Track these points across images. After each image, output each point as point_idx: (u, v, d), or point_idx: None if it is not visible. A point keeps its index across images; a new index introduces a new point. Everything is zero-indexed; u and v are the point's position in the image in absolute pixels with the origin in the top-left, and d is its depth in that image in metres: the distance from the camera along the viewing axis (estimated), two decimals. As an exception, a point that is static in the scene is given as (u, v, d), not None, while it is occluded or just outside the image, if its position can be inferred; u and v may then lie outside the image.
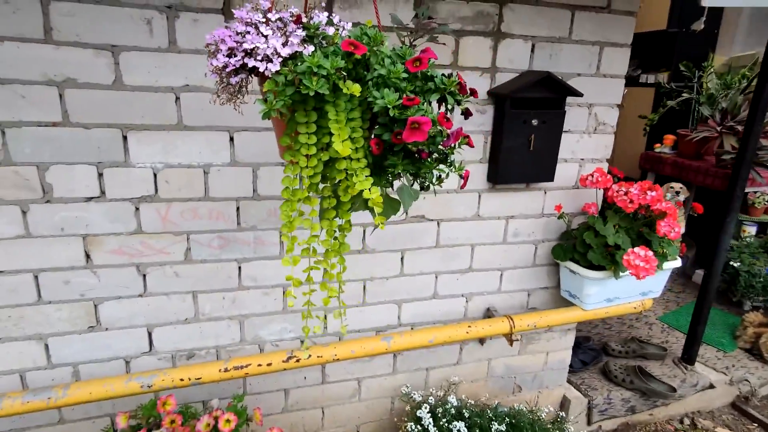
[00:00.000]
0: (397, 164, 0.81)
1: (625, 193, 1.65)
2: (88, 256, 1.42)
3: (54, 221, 1.37)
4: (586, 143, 1.80)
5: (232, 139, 1.44)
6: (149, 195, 1.42)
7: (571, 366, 2.20)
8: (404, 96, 0.76)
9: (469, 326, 1.65)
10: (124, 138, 1.35)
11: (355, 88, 0.72)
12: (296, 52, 0.74)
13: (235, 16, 0.77)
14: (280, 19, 0.76)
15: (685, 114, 3.55)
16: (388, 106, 0.73)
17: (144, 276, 1.49)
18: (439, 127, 0.79)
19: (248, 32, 0.75)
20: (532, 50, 1.63)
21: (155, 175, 1.41)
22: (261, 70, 0.74)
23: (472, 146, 0.86)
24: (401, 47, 0.79)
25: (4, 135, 1.27)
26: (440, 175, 0.86)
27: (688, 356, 2.35)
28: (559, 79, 1.60)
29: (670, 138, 3.62)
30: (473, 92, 0.89)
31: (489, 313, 1.88)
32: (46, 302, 1.43)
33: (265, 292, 1.61)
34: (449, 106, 0.83)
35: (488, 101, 1.64)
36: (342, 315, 0.94)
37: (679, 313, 2.93)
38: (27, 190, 1.32)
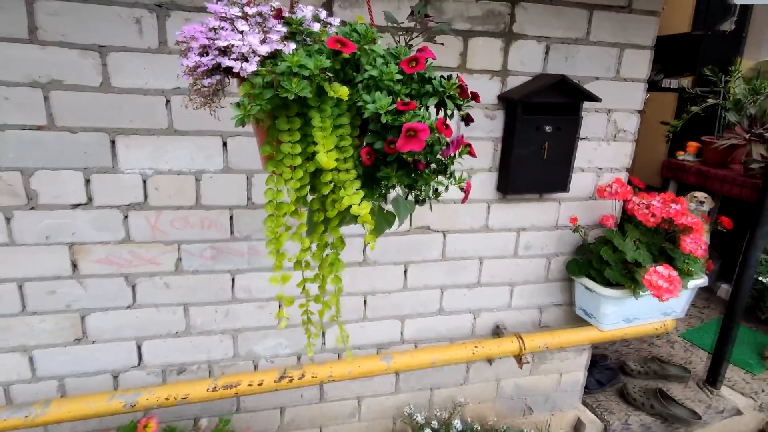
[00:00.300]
0: (390, 176, 0.72)
1: (647, 207, 1.54)
2: (74, 266, 1.36)
3: (39, 229, 1.31)
4: (604, 151, 1.69)
5: (225, 144, 1.36)
6: (138, 202, 1.35)
7: (586, 387, 2.08)
8: (398, 100, 0.67)
9: (476, 346, 1.55)
10: (112, 143, 1.29)
11: (343, 91, 0.63)
12: (276, 50, 0.66)
13: (208, 9, 0.69)
14: (259, 13, 0.68)
15: (710, 120, 3.39)
16: (380, 112, 0.64)
17: (133, 287, 1.42)
18: (437, 135, 0.70)
19: (222, 28, 0.67)
20: (546, 52, 1.53)
21: (144, 182, 1.34)
22: (236, 70, 0.65)
23: (474, 156, 0.77)
24: (396, 47, 0.70)
25: (-13, 139, 1.22)
26: (437, 188, 0.77)
27: (713, 379, 2.21)
28: (575, 83, 1.49)
29: (693, 145, 3.46)
30: (475, 96, 0.80)
31: (498, 331, 1.77)
32: (30, 313, 1.37)
33: (260, 306, 1.53)
34: (449, 112, 0.74)
35: (498, 106, 1.54)
36: (345, 342, 0.85)
37: (702, 330, 2.78)
38: (11, 196, 1.26)
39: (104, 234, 1.35)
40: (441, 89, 0.70)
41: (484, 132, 1.56)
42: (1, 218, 1.27)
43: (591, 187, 1.71)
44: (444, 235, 1.63)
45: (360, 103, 0.65)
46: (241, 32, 0.65)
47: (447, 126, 0.68)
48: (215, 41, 0.66)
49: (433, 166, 0.75)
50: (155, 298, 1.44)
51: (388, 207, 0.91)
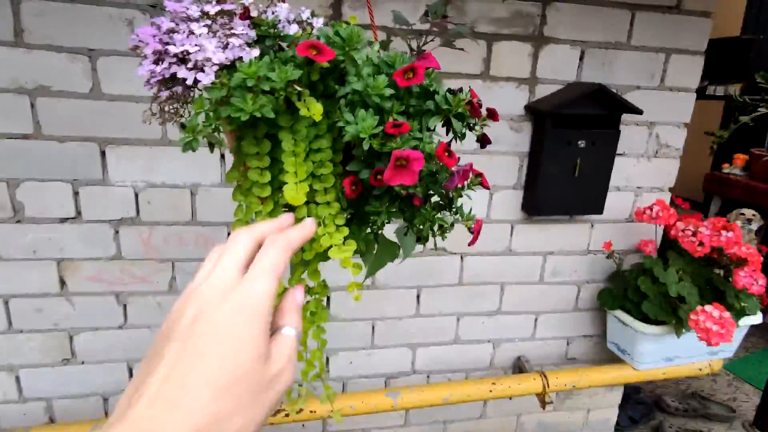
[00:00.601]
0: (380, 212, 0.58)
1: (693, 233, 1.35)
2: (62, 282, 1.28)
3: (26, 243, 1.23)
4: (644, 169, 1.51)
5: (222, 156, 1.26)
6: (130, 217, 1.26)
7: (617, 424, 1.89)
8: (389, 120, 0.54)
9: (493, 383, 1.39)
10: (102, 153, 1.20)
11: (316, 110, 0.51)
12: (238, 58, 0.54)
13: (166, 7, 0.57)
14: (224, 12, 0.56)
15: (760, 131, 3.13)
16: (363, 135, 0.51)
17: (124, 306, 1.33)
18: (436, 164, 0.56)
19: (178, 30, 0.55)
20: (581, 58, 1.36)
21: (136, 195, 1.25)
22: (189, 82, 0.53)
23: (487, 188, 0.63)
24: (390, 53, 0.57)
25: (-29, 147, 1.15)
26: (443, 226, 0.63)
27: (763, 420, 1.98)
28: (614, 93, 1.33)
29: (741, 158, 3.20)
30: (492, 114, 0.65)
31: (520, 363, 1.61)
32: (17, 331, 1.29)
33: (259, 329, 1.42)
34: (459, 133, 0.60)
35: (525, 117, 1.39)
36: (331, 401, 0.72)
37: (749, 362, 2.53)
38: (-4, 209, 1.19)
39: (94, 250, 1.26)
40: (446, 107, 0.57)
41: (509, 146, 1.40)
42: (-14, 231, 1.20)
43: (628, 208, 1.54)
44: (462, 257, 1.49)
45: (341, 124, 0.52)
46: (198, 35, 0.53)
47: (450, 153, 0.54)
48: (168, 46, 0.54)
49: (435, 199, 0.61)
50: (148, 318, 1.35)
51: (392, 238, 0.78)
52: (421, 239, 0.67)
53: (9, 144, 1.15)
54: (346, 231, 0.59)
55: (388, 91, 0.52)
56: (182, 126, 0.51)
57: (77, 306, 1.30)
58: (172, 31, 0.56)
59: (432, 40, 0.94)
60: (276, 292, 0.36)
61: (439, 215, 0.61)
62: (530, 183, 1.43)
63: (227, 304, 0.33)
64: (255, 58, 0.51)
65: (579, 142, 1.37)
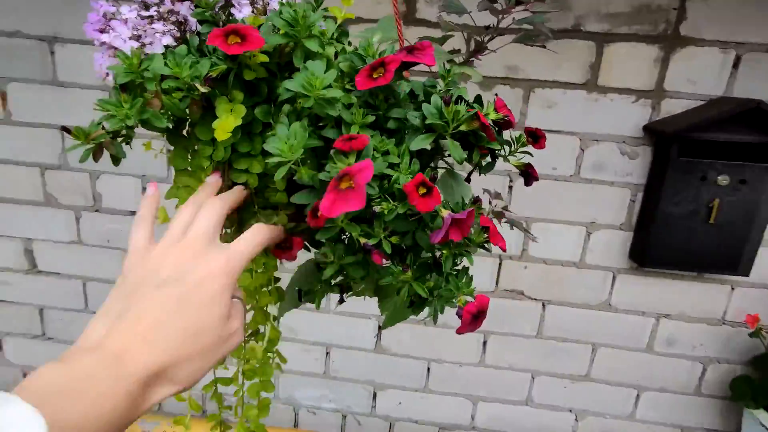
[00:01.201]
0: (332, 262, 0.43)
1: None
2: (129, 273, 1.32)
3: (101, 231, 1.30)
4: (823, 221, 1.09)
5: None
6: (190, 217, 1.25)
7: None
8: (343, 134, 0.38)
9: (564, 470, 1.11)
10: (168, 152, 1.21)
11: (222, 123, 0.37)
12: (168, 48, 0.42)
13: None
14: (162, -10, 0.45)
15: None
16: (282, 159, 0.36)
17: (181, 303, 1.34)
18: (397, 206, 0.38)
19: (115, 15, 0.46)
20: (735, 65, 1.02)
21: (196, 196, 1.24)
22: (110, 79, 0.44)
23: (503, 249, 0.42)
24: (362, 45, 0.40)
25: (64, 140, 1.23)
26: (433, 294, 0.44)
27: None
28: (780, 115, 0.97)
29: None
30: (538, 137, 0.46)
31: (610, 446, 1.28)
32: (91, 312, 1.38)
33: (305, 349, 1.33)
34: (461, 161, 0.42)
35: (643, 141, 1.08)
36: None
37: None
38: (80, 197, 1.27)
39: (157, 245, 1.29)
40: (436, 121, 0.39)
41: (618, 175, 1.11)
42: (72, 217, 1.29)
43: (791, 271, 1.13)
44: (543, 305, 1.23)
45: (266, 146, 0.38)
46: (126, 21, 0.43)
47: (429, 190, 0.36)
48: (102, 35, 0.45)
49: (417, 254, 0.43)
50: (201, 318, 1.35)
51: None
52: (411, 307, 0.48)
53: (92, 137, 1.22)
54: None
55: (335, 93, 0.36)
56: (65, 130, 0.41)
57: (140, 297, 1.34)
58: (106, 16, 0.47)
59: (501, 34, 0.74)
60: (244, 267, 0.38)
61: (417, 280, 0.42)
62: (643, 224, 1.12)
63: (203, 265, 0.36)
64: (169, 47, 0.39)
65: (719, 178, 1.03)
